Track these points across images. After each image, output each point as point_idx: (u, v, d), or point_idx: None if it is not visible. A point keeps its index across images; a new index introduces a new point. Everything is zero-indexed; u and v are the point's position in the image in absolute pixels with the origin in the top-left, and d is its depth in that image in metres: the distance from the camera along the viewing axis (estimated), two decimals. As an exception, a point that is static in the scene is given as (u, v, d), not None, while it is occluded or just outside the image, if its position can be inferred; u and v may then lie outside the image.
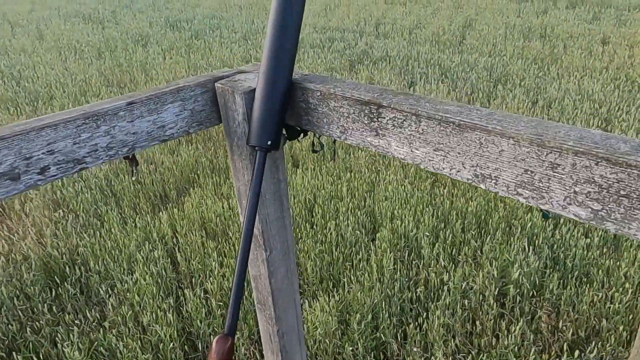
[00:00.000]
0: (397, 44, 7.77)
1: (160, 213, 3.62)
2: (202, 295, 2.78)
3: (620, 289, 2.59)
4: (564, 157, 0.49)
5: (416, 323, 2.51)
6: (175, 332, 2.52)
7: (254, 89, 0.76)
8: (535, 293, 2.64)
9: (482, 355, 2.29)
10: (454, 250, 2.99)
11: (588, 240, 2.98)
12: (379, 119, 0.66)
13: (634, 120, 4.64)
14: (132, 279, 2.92)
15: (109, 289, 2.88)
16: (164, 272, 2.96)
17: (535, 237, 3.05)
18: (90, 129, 0.66)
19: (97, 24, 10.61)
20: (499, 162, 0.55)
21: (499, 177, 0.56)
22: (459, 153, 0.58)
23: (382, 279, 2.78)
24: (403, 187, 3.68)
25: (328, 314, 2.55)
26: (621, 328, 2.34)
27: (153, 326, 2.55)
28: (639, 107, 4.94)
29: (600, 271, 2.73)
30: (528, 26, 8.49)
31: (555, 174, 0.50)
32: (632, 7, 9.67)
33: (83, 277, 3.03)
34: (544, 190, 0.52)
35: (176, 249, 3.22)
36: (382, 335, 2.46)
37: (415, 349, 2.34)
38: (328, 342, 2.43)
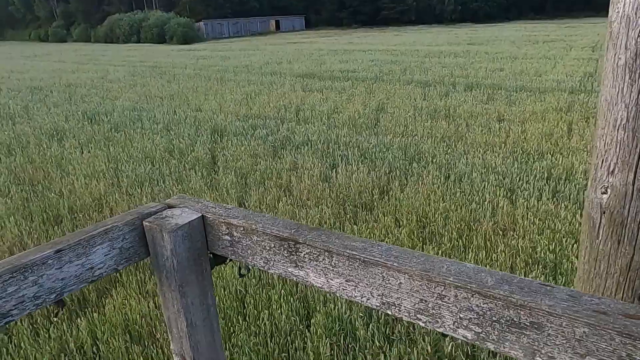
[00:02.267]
0: (317, 129, 8.17)
1: (78, 319, 3.35)
2: (127, 409, 2.55)
3: None
4: (447, 289, 0.58)
5: (357, 411, 2.45)
6: None
7: (182, 226, 0.79)
8: (468, 365, 2.70)
9: None
10: (388, 328, 3.02)
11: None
12: (297, 253, 0.73)
13: (533, 189, 5.13)
14: (44, 399, 2.62)
15: (16, 415, 2.55)
16: (82, 387, 2.69)
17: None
18: (17, 282, 0.65)
19: (7, 119, 10.19)
20: (399, 292, 0.64)
21: (401, 305, 0.64)
22: (367, 284, 0.67)
23: (319, 368, 2.72)
24: (333, 268, 3.72)
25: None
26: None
27: None
28: (536, 177, 5.49)
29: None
30: (434, 108, 9.33)
31: (443, 303, 0.59)
32: (518, 89, 11.02)
33: (-15, 404, 2.67)
34: (437, 316, 0.61)
35: (97, 358, 2.96)
36: None
37: None
38: None
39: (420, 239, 4.20)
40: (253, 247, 0.78)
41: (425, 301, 0.61)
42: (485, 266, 3.63)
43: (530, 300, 0.52)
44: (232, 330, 3.13)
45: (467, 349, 2.76)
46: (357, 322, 3.03)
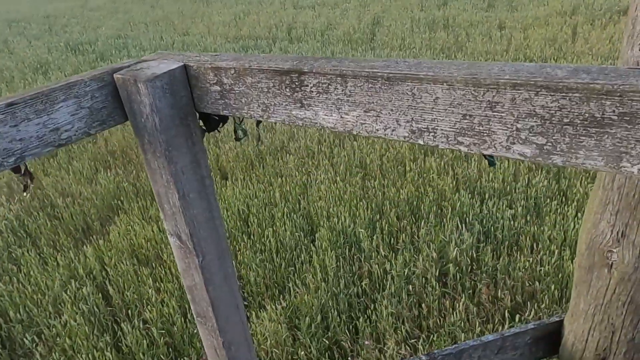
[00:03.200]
0: (311, 47, 7.84)
1: (85, 247, 3.37)
2: (141, 326, 2.62)
3: (547, 252, 2.75)
4: (501, 93, 0.46)
5: (365, 316, 2.51)
6: (116, 370, 2.35)
7: (161, 75, 0.68)
8: (473, 268, 2.74)
9: (432, 336, 2.34)
10: (392, 239, 3.04)
11: (512, 211, 3.15)
12: (302, 88, 0.61)
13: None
14: (60, 322, 2.68)
15: (35, 337, 2.63)
16: (96, 309, 2.75)
17: (465, 215, 3.17)
18: None
19: (-12, 55, 9.78)
20: (435, 112, 0.52)
21: (437, 129, 0.53)
22: (391, 110, 0.55)
23: (326, 279, 2.76)
24: (335, 184, 3.70)
25: (277, 323, 2.49)
26: (552, 287, 2.48)
27: (90, 368, 2.36)
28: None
29: (527, 238, 2.89)
30: (432, 18, 8.90)
31: (494, 113, 0.48)
32: (520, -7, 10.45)
33: (3, 329, 2.74)
34: (485, 134, 0.49)
35: (107, 282, 3.01)
36: (333, 334, 2.44)
37: (367, 343, 2.34)
38: (280, 352, 2.37)
39: (422, 151, 4.14)
40: (248, 93, 0.67)
41: (470, 116, 0.49)
42: (489, 174, 3.60)
43: (621, 83, 0.40)
44: (237, 248, 3.16)
45: (472, 252, 2.79)
46: (360, 235, 3.04)
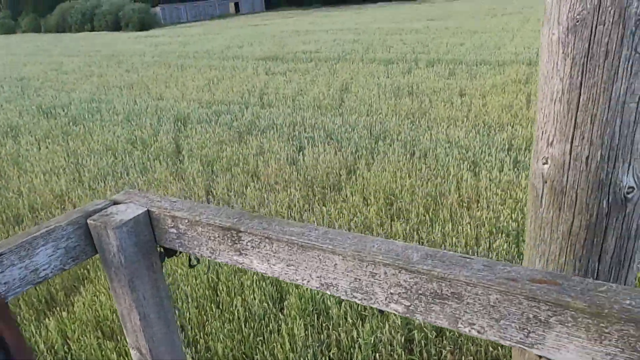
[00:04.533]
0: (282, 112, 8.12)
1: (47, 320, 3.28)
2: (103, 404, 2.53)
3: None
4: (377, 267, 0.62)
5: (334, 387, 2.51)
6: None
7: (127, 221, 0.80)
8: (437, 334, 2.80)
9: (399, 406, 2.35)
10: (360, 306, 3.09)
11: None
12: (240, 241, 0.76)
13: (495, 160, 5.27)
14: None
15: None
16: (55, 387, 2.66)
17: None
18: None
19: (-44, 118, 9.71)
20: (335, 273, 0.67)
21: (338, 285, 0.68)
22: (306, 267, 0.70)
23: (295, 348, 2.76)
24: (304, 250, 3.76)
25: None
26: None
27: None
28: (497, 148, 5.63)
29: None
30: (397, 85, 9.40)
31: (375, 280, 0.63)
32: (478, 62, 11.20)
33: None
34: (370, 293, 0.65)
35: (69, 357, 2.92)
36: (301, 407, 2.42)
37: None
38: None
39: (388, 215, 4.28)
40: (199, 238, 0.80)
41: (359, 280, 0.64)
42: (452, 238, 3.74)
43: (449, 272, 0.56)
44: (205, 319, 3.14)
45: (436, 319, 2.85)
46: (329, 301, 3.08)
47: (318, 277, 0.69)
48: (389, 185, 4.83)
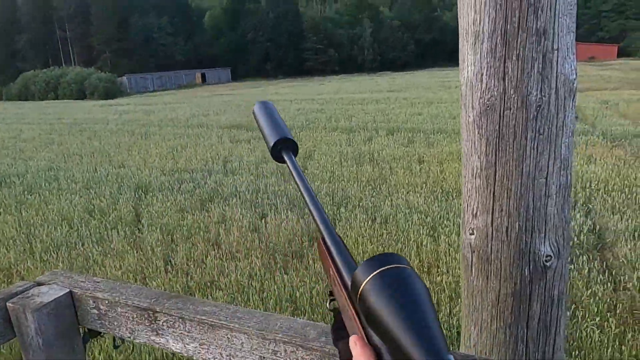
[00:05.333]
0: (245, 179, 8.17)
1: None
2: None
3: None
4: (278, 345, 0.65)
5: None
6: None
7: (47, 303, 0.80)
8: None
9: None
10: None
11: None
12: (157, 322, 0.78)
13: (453, 225, 5.41)
14: None
15: None
16: None
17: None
18: None
19: None
20: (242, 351, 0.70)
21: None
22: (216, 346, 0.72)
23: None
24: None
25: None
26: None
27: None
28: (455, 213, 5.80)
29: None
30: (358, 153, 9.68)
31: (277, 358, 0.66)
32: (435, 131, 11.75)
33: None
34: None
35: None
36: None
37: None
38: None
39: (350, 283, 4.25)
40: (119, 319, 0.82)
41: (264, 357, 0.66)
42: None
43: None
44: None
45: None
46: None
47: (227, 355, 0.70)
48: (351, 252, 4.83)
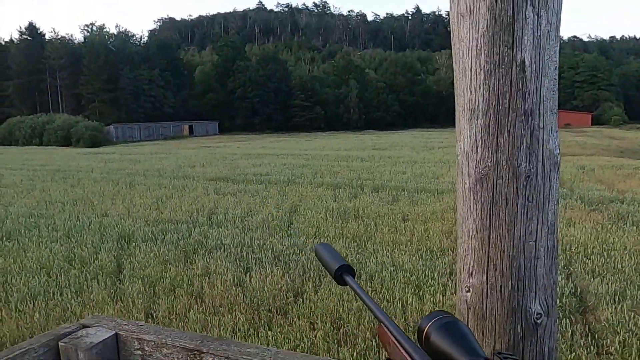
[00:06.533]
0: (230, 232, 8.14)
1: None
2: None
3: None
4: None
5: None
6: None
7: (96, 344, 0.83)
8: None
9: None
10: None
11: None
12: None
13: (438, 284, 5.43)
14: None
15: None
16: None
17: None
18: None
19: None
20: None
21: None
22: None
23: None
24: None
25: None
26: None
27: None
28: (440, 272, 5.84)
29: None
30: (344, 209, 9.78)
31: None
32: (419, 190, 11.98)
33: None
34: None
35: None
36: None
37: None
38: None
39: (335, 340, 4.20)
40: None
41: None
42: (398, 365, 3.69)
43: None
44: None
45: None
46: None
47: None
48: (336, 309, 4.81)
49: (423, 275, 5.77)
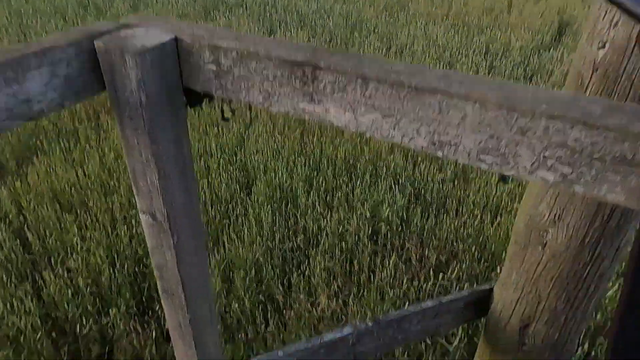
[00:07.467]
0: None
1: (-1, 188, 3.11)
2: (65, 274, 2.50)
3: (471, 215, 2.94)
4: (535, 121, 0.47)
5: (299, 270, 2.58)
6: (37, 319, 2.25)
7: (152, 48, 0.61)
8: (403, 227, 2.88)
9: (361, 291, 2.46)
10: (328, 196, 3.10)
11: (442, 174, 3.30)
12: (315, 82, 0.58)
13: (471, 63, 5.15)
14: (-28, 268, 2.50)
15: (-58, 284, 2.44)
16: (13, 255, 2.59)
17: (398, 176, 3.29)
18: None
19: None
20: (460, 128, 0.51)
21: (459, 144, 0.52)
22: (413, 119, 0.54)
23: (261, 232, 2.78)
24: (273, 138, 3.66)
25: (211, 275, 2.49)
26: (473, 248, 2.68)
27: (8, 317, 2.24)
28: (475, 51, 5.49)
29: (453, 201, 3.06)
30: (377, -27, 8.75)
31: (524, 138, 0.48)
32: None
33: None
34: (509, 156, 0.50)
35: (25, 227, 2.82)
36: (267, 288, 2.49)
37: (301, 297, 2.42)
38: (214, 304, 2.39)
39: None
40: (250, 78, 0.62)
41: (498, 138, 0.49)
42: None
43: None
44: (170, 199, 3.07)
45: (402, 213, 2.91)
46: (297, 190, 3.06)
47: (429, 132, 0.53)
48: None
49: (457, 52, 5.43)
